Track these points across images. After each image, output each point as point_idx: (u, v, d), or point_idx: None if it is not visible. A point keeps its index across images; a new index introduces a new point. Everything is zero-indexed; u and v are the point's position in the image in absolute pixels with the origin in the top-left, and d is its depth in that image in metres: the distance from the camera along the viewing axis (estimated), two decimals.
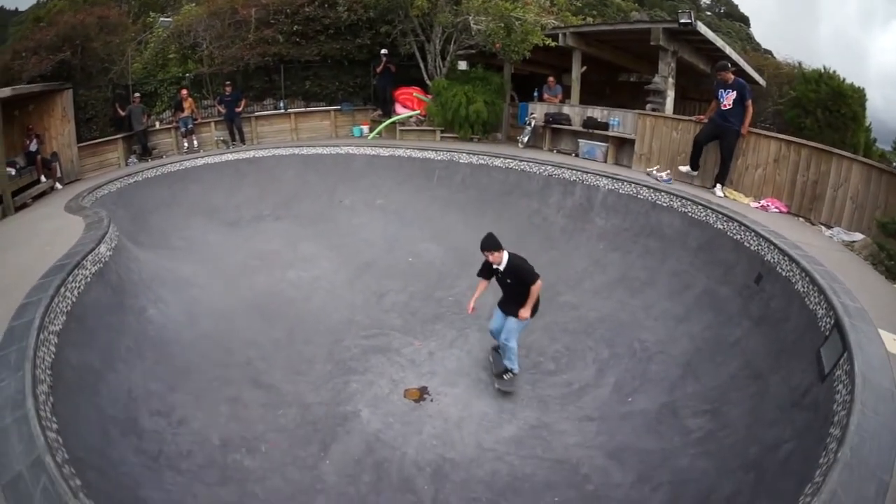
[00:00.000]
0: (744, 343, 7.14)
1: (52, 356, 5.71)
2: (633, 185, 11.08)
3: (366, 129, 18.32)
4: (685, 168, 11.54)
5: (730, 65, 11.16)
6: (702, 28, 13.17)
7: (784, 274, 7.33)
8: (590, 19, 20.80)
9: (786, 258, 7.44)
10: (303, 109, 19.15)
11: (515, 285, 7.27)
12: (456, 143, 16.09)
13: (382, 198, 14.49)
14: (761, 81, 18.14)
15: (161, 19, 21.63)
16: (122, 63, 18.27)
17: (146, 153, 16.67)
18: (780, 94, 17.57)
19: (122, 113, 16.60)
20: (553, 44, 15.23)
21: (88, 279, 7.50)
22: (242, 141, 17.46)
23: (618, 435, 6.57)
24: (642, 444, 6.32)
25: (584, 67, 15.90)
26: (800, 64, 18.89)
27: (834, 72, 13.48)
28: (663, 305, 8.76)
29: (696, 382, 7.01)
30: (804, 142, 10.63)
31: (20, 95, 14.09)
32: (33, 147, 14.21)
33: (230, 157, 16.10)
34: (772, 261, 7.75)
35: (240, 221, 14.07)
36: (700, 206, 9.71)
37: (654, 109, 13.61)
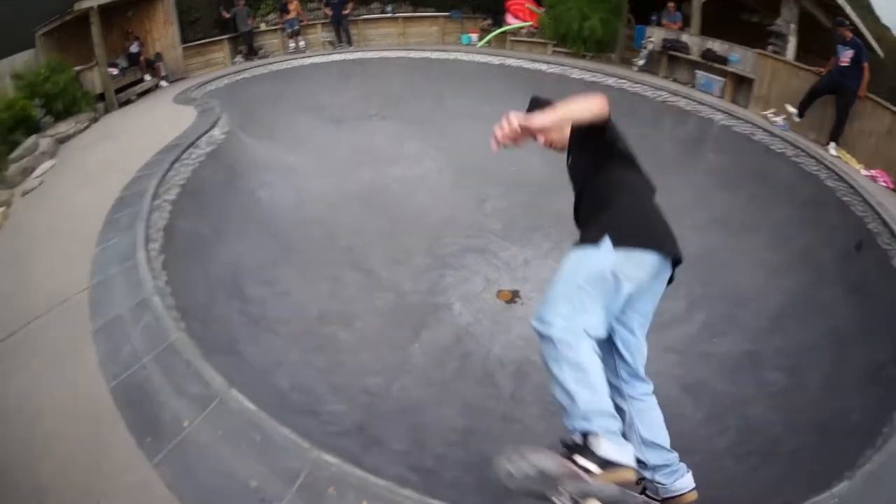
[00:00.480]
0: (834, 308, 6.84)
1: (165, 221, 6.21)
2: (748, 124, 10.54)
3: (475, 37, 17.68)
4: (792, 109, 10.77)
5: (847, 23, 10.50)
6: None
7: (884, 247, 7.01)
8: None
9: (888, 231, 7.10)
10: (411, 14, 18.59)
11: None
12: (567, 58, 15.36)
13: (489, 106, 13.89)
14: (879, 52, 16.92)
15: None
16: None
17: (252, 53, 16.69)
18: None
19: (227, 15, 16.62)
20: None
21: (203, 158, 7.89)
22: (349, 43, 17.21)
23: (696, 372, 6.44)
24: (718, 386, 6.20)
25: None
26: None
27: None
28: (762, 254, 8.38)
29: (781, 337, 6.75)
30: None
31: (118, 3, 14.25)
32: (134, 49, 14.50)
33: (337, 57, 15.88)
34: (874, 230, 7.36)
35: (345, 119, 13.96)
36: (813, 160, 9.21)
37: (775, 52, 12.73)
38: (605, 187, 3.19)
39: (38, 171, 8.84)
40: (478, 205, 10.24)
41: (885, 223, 7.23)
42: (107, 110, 12.76)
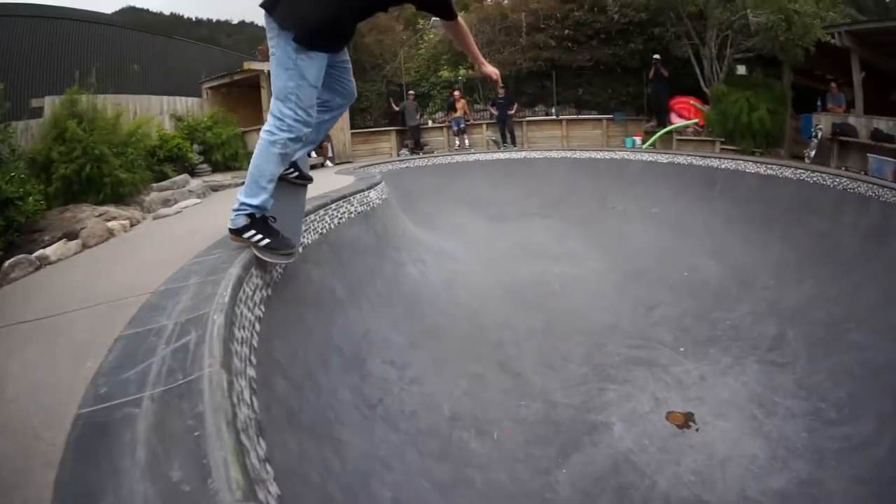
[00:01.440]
0: None
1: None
2: None
3: (638, 140, 17.19)
4: None
5: None
6: None
7: None
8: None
9: None
10: (574, 117, 18.46)
11: None
12: (737, 154, 14.33)
13: (657, 206, 13.21)
14: None
15: (433, 19, 21.95)
16: (395, 63, 19.02)
17: (418, 147, 17.13)
18: None
19: (396, 108, 17.32)
20: (832, 40, 13.51)
21: (352, 215, 7.44)
22: (514, 143, 17.21)
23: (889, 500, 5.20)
24: None
25: (863, 73, 13.87)
26: None
27: None
28: None
29: None
30: None
31: None
32: None
33: (500, 156, 15.84)
34: None
35: (506, 216, 13.61)
36: None
37: None
38: None
39: (180, 205, 8.88)
40: (646, 311, 9.08)
41: None
42: None
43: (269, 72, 13.05)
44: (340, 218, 7.07)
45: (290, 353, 4.36)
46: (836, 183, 10.82)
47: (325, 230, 6.52)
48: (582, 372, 7.26)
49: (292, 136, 3.90)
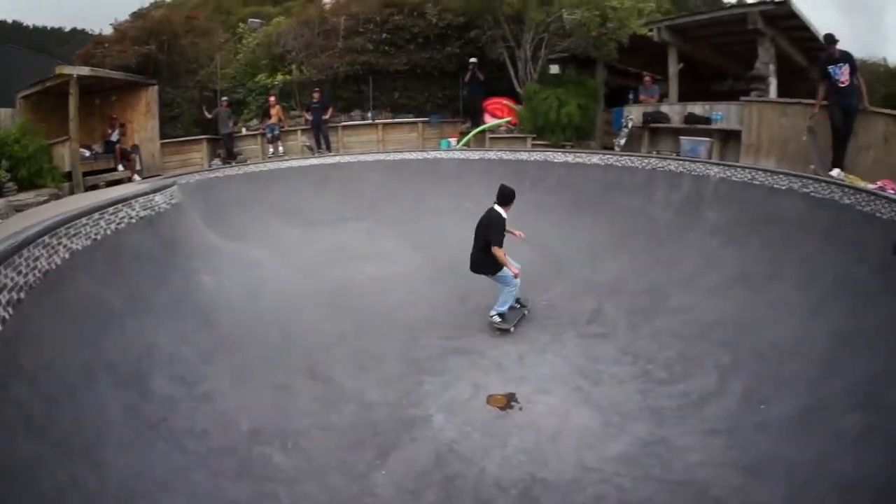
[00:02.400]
0: (892, 321, 5.83)
1: (51, 266, 4.95)
2: (747, 170, 9.55)
3: (453, 141, 16.83)
4: (837, 172, 9.25)
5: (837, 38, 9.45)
6: (797, 8, 11.79)
7: None
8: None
9: None
10: (390, 121, 17.92)
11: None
12: (548, 149, 14.41)
13: (470, 201, 12.87)
14: None
15: (251, 20, 21.06)
16: (211, 67, 18.01)
17: (231, 157, 16.03)
18: (869, 93, 15.92)
19: (209, 115, 16.23)
20: (650, 34, 13.88)
21: (132, 220, 6.75)
22: (328, 149, 16.40)
23: (753, 448, 5.13)
24: (787, 455, 4.92)
25: (681, 65, 14.36)
26: (884, 59, 17.15)
27: None
28: (792, 299, 7.19)
29: (840, 377, 5.59)
30: None
31: (102, 84, 14.00)
32: (114, 137, 13.86)
33: (315, 162, 15.18)
34: None
35: (320, 222, 12.97)
36: (823, 184, 8.27)
37: (758, 96, 11.98)
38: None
39: None
40: (461, 301, 8.88)
41: None
42: (72, 191, 11.81)
43: (78, 76, 11.87)
44: (119, 223, 6.41)
45: (41, 364, 4.11)
46: (644, 164, 11.11)
47: (99, 236, 5.92)
48: (397, 369, 6.90)
49: None
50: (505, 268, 7.79)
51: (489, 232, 7.95)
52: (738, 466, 4.91)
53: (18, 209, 9.53)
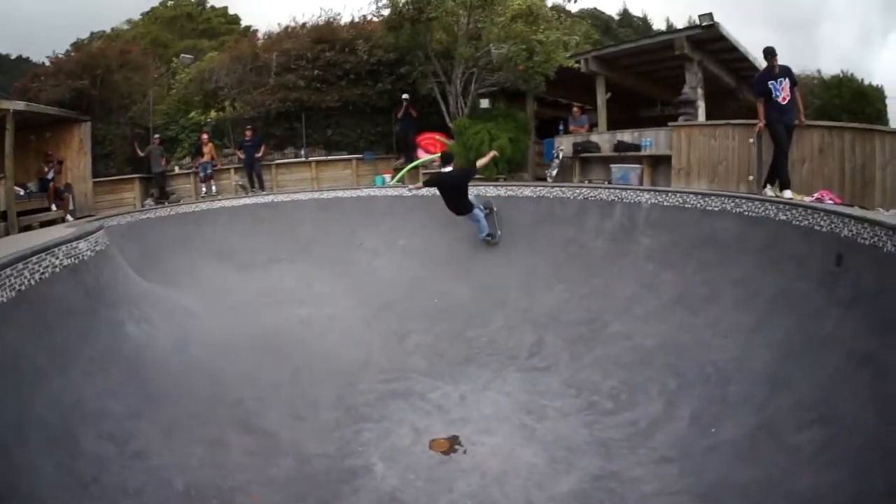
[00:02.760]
0: (839, 332, 5.75)
1: None
2: (678, 194, 9.59)
3: (388, 177, 16.77)
4: (788, 193, 9.03)
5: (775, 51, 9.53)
6: (725, 31, 12.10)
7: (868, 242, 6.05)
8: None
9: (866, 225, 6.15)
10: (324, 158, 17.76)
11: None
12: (481, 182, 14.09)
13: (405, 238, 12.90)
14: None
15: (183, 56, 20.63)
16: (144, 103, 17.68)
17: (163, 196, 15.66)
18: (805, 106, 16.57)
19: (141, 153, 15.93)
20: (576, 65, 14.17)
21: (57, 269, 6.29)
22: (262, 188, 16.10)
23: (706, 473, 5.03)
24: (741, 477, 4.82)
25: (609, 94, 14.67)
26: (818, 72, 17.86)
27: (852, 74, 12.24)
28: (732, 319, 7.16)
29: (790, 393, 5.51)
30: (846, 125, 9.85)
31: (38, 120, 13.66)
32: (50, 175, 13.46)
33: (248, 201, 14.79)
34: (850, 234, 6.43)
35: (253, 264, 12.60)
36: (757, 202, 8.29)
37: (686, 120, 12.16)
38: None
39: None
40: (398, 342, 8.68)
41: (858, 220, 6.33)
42: (7, 232, 11.35)
43: (14, 111, 11.37)
44: (42, 273, 5.96)
45: None
46: (576, 194, 11.13)
47: (23, 287, 5.49)
48: (335, 417, 6.60)
49: None
50: (475, 209, 10.82)
51: (468, 179, 10.90)
52: (693, 493, 4.81)
53: None
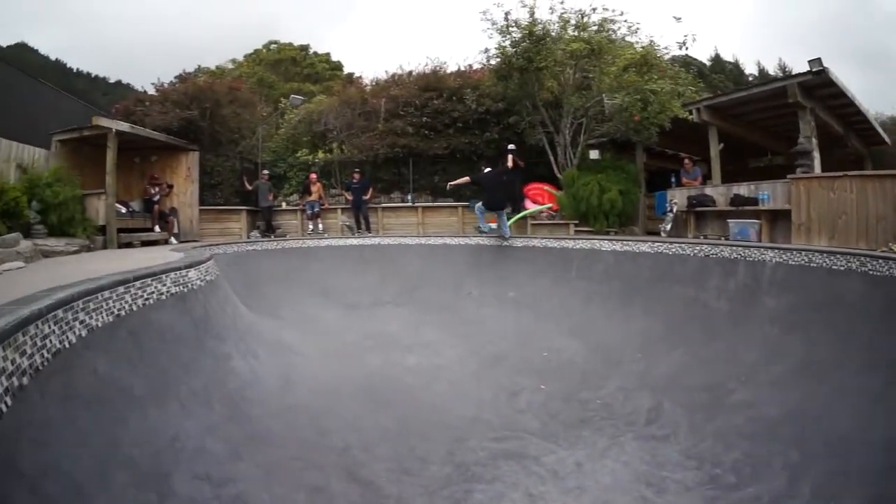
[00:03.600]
0: None
1: (64, 345, 4.13)
2: (803, 253, 8.99)
3: (494, 226, 16.42)
4: None
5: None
6: (834, 76, 11.61)
7: None
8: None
9: None
10: (430, 204, 17.87)
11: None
12: (591, 235, 14.04)
13: (514, 290, 12.64)
14: (888, 140, 17.26)
15: (293, 97, 21.31)
16: (253, 139, 18.34)
17: (269, 230, 16.16)
18: None
19: (249, 187, 16.59)
20: (690, 116, 13.78)
21: (163, 296, 6.18)
22: (368, 229, 16.38)
23: None
24: None
25: (722, 145, 14.18)
26: None
27: None
28: (856, 385, 6.55)
29: None
30: None
31: (142, 143, 14.23)
32: (155, 197, 14.02)
33: (354, 242, 14.99)
34: None
35: (359, 305, 12.60)
36: (881, 260, 7.68)
37: (804, 172, 11.58)
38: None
39: (2, 267, 7.63)
40: (509, 398, 8.12)
41: None
42: (105, 245, 11.82)
43: (117, 132, 11.69)
44: (147, 299, 5.79)
45: (46, 464, 3.35)
46: (696, 251, 10.54)
47: (123, 312, 5.24)
48: (444, 473, 6.09)
49: None
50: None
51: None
52: None
53: (46, 254, 9.46)
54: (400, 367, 9.01)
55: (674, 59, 16.97)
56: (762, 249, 9.47)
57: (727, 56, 44.48)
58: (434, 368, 9.07)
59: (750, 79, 38.85)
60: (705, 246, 10.45)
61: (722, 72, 39.98)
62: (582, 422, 7.33)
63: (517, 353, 9.64)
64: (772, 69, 40.85)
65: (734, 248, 9.91)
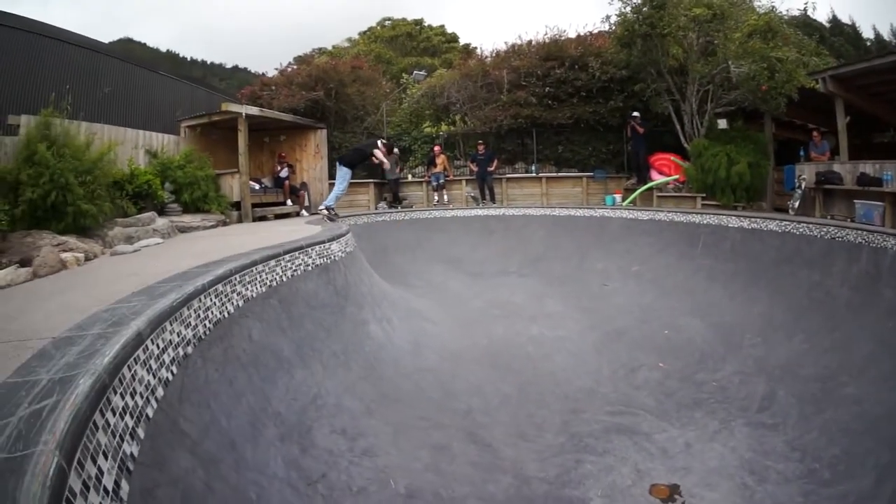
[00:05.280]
0: None
1: (223, 315, 4.75)
2: None
3: (618, 197, 16.69)
4: None
5: None
6: None
7: None
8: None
9: None
10: (554, 174, 18.07)
11: None
12: (718, 209, 13.85)
13: (638, 264, 12.78)
14: None
15: (415, 72, 22.01)
16: (378, 115, 19.06)
17: (396, 201, 16.92)
18: None
19: (376, 161, 16.81)
20: (816, 86, 13.16)
21: (309, 268, 6.93)
22: (493, 200, 16.88)
23: None
24: None
25: (848, 118, 13.50)
26: None
27: None
28: None
29: None
30: None
31: (271, 125, 15.18)
32: (283, 174, 14.95)
33: (479, 212, 15.61)
34: None
35: (483, 273, 13.20)
36: None
37: None
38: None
39: (141, 244, 8.47)
40: (626, 374, 8.38)
41: None
42: (241, 220, 12.92)
43: (247, 115, 13.14)
44: (295, 270, 6.55)
45: (206, 423, 3.74)
46: (823, 233, 10.28)
47: (274, 283, 5.97)
48: (558, 442, 6.53)
49: None
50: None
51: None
52: None
53: (182, 230, 10.39)
54: (523, 337, 9.43)
55: (795, 23, 16.30)
56: (885, 235, 9.15)
57: (844, 18, 41.60)
58: (556, 339, 9.43)
59: (867, 43, 36.43)
60: (832, 227, 10.19)
61: (841, 34, 37.37)
62: (696, 403, 7.52)
63: (638, 329, 9.84)
64: (886, 34, 37.96)
65: (859, 231, 9.63)
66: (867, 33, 40.08)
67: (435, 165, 17.18)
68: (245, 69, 55.29)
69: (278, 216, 14.09)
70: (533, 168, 18.18)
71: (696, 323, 9.85)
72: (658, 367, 8.43)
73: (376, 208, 16.62)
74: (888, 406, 6.77)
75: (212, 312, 4.54)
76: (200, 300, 4.37)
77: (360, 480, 4.82)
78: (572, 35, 19.16)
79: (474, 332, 9.48)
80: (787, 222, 11.16)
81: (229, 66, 60.93)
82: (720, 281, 11.17)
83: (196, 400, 3.75)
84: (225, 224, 12.03)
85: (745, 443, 6.61)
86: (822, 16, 38.45)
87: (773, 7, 14.75)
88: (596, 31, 18.58)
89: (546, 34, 19.32)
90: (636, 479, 5.88)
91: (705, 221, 12.75)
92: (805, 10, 15.20)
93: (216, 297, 4.68)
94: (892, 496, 5.35)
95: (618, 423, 6.98)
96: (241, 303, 5.13)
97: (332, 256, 7.72)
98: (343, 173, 11.98)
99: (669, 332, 9.71)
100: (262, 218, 13.52)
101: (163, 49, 57.65)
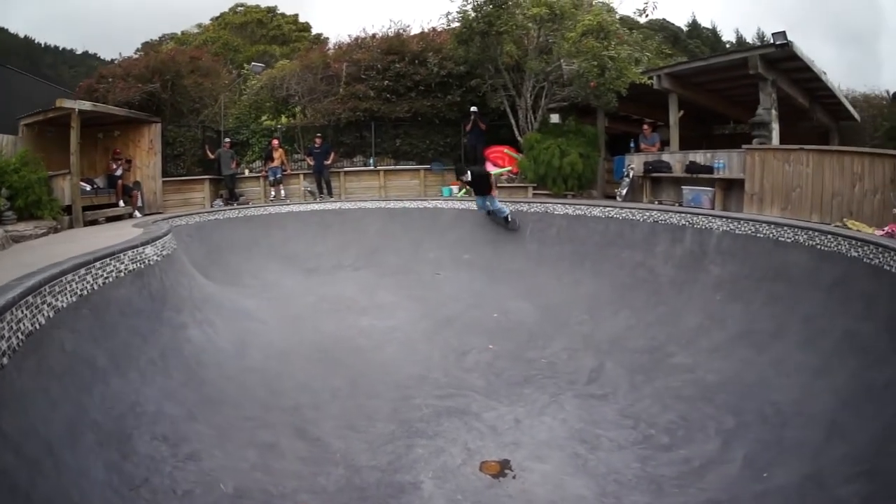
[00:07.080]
0: None
1: (36, 327, 4.61)
2: (750, 223, 9.23)
3: (455, 189, 16.66)
4: None
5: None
6: (799, 50, 11.67)
7: None
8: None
9: None
10: (392, 167, 17.98)
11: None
12: (549, 198, 14.35)
13: (470, 252, 12.98)
14: (857, 116, 17.15)
15: (254, 64, 21.20)
16: (215, 107, 18.28)
17: (232, 198, 16.12)
18: (874, 128, 16.51)
19: (211, 156, 16.48)
20: (648, 82, 13.82)
21: (122, 274, 6.53)
22: (330, 194, 16.47)
23: None
24: None
25: (681, 112, 14.29)
26: (888, 92, 17.28)
27: None
28: (796, 358, 6.85)
29: (844, 442, 5.23)
30: None
31: (105, 119, 14.16)
32: (118, 172, 13.96)
33: (316, 207, 15.14)
34: None
35: (318, 269, 12.89)
36: (829, 236, 7.90)
37: (761, 143, 11.78)
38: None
39: None
40: (457, 358, 8.44)
41: None
42: (71, 225, 11.80)
43: (80, 111, 11.95)
44: (106, 278, 6.18)
45: (25, 428, 3.86)
46: (646, 217, 10.85)
47: (85, 291, 5.67)
48: (389, 430, 6.43)
49: None
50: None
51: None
52: None
53: (16, 240, 9.44)
54: (354, 330, 9.31)
55: (649, 24, 17.08)
56: (710, 217, 9.78)
57: (705, 23, 44.68)
58: (387, 330, 9.37)
59: (727, 46, 39.14)
60: (655, 212, 10.76)
61: (698, 37, 40.16)
62: (525, 380, 7.62)
63: (469, 314, 9.98)
64: (750, 38, 41.13)
65: (683, 214, 10.23)
66: (729, 36, 43.26)
67: (272, 160, 16.53)
68: (94, 55, 51.22)
69: (110, 219, 13.00)
70: (371, 161, 18.03)
71: (526, 305, 10.14)
72: (487, 349, 8.53)
73: (212, 206, 15.76)
74: (723, 374, 7.10)
75: (23, 324, 4.45)
76: (12, 312, 4.30)
77: (184, 484, 4.74)
78: (416, 31, 19.39)
79: (303, 328, 9.26)
80: (610, 208, 11.79)
81: (80, 51, 56.09)
82: (547, 265, 11.67)
83: (14, 407, 3.86)
84: (56, 231, 10.96)
85: (574, 414, 6.69)
86: (682, 19, 41.93)
87: (611, 8, 15.43)
88: (439, 27, 18.63)
89: (390, 29, 19.50)
90: (466, 458, 5.85)
91: (533, 210, 13.19)
92: (643, 10, 15.90)
93: (27, 308, 4.59)
94: (745, 459, 5.50)
95: (448, 406, 6.97)
96: (51, 314, 4.94)
97: (147, 261, 7.32)
98: None
99: (499, 315, 9.91)
100: (94, 222, 12.44)
101: (21, 35, 52.33)
